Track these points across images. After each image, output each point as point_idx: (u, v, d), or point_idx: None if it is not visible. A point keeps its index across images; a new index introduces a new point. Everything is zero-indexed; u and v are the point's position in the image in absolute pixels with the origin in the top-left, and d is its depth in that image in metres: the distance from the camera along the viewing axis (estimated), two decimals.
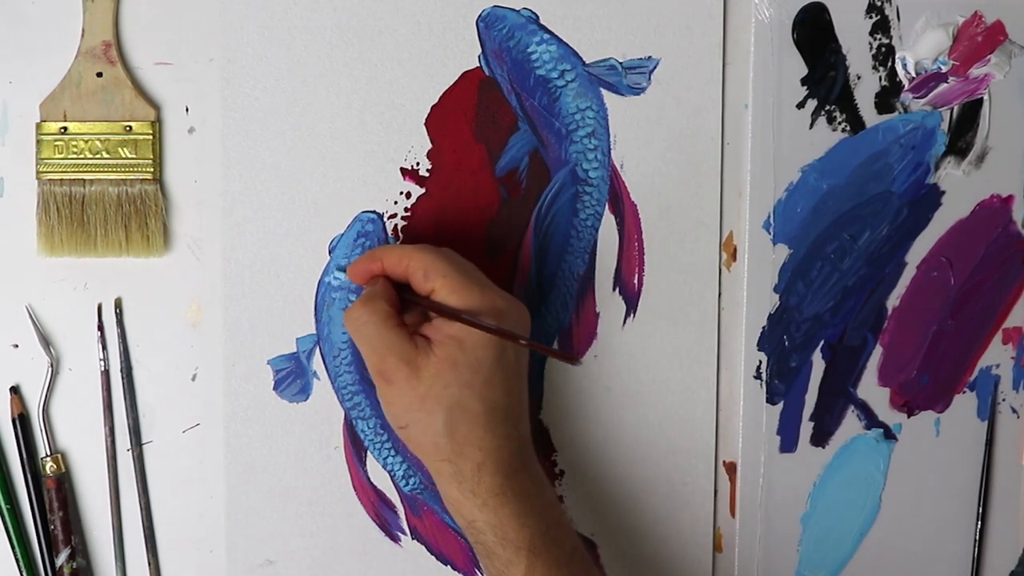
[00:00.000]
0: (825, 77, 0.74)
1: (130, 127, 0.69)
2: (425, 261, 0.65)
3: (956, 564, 0.78)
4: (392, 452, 0.72)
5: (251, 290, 0.71)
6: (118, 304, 0.71)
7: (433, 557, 0.73)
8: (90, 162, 0.69)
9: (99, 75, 0.69)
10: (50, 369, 0.70)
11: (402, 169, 0.71)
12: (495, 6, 0.71)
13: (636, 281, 0.73)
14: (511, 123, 0.72)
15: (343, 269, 0.70)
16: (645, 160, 0.73)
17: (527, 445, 0.66)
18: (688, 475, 0.74)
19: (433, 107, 0.71)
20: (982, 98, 0.76)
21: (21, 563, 0.70)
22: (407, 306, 0.66)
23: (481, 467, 0.63)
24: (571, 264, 0.73)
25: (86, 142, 0.69)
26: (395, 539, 0.73)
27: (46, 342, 0.70)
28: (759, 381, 0.75)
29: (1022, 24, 0.75)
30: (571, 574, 0.65)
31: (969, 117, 0.76)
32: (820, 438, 0.76)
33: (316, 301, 0.71)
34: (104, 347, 0.70)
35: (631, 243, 0.73)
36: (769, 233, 0.74)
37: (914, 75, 0.74)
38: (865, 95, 0.74)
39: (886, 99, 0.74)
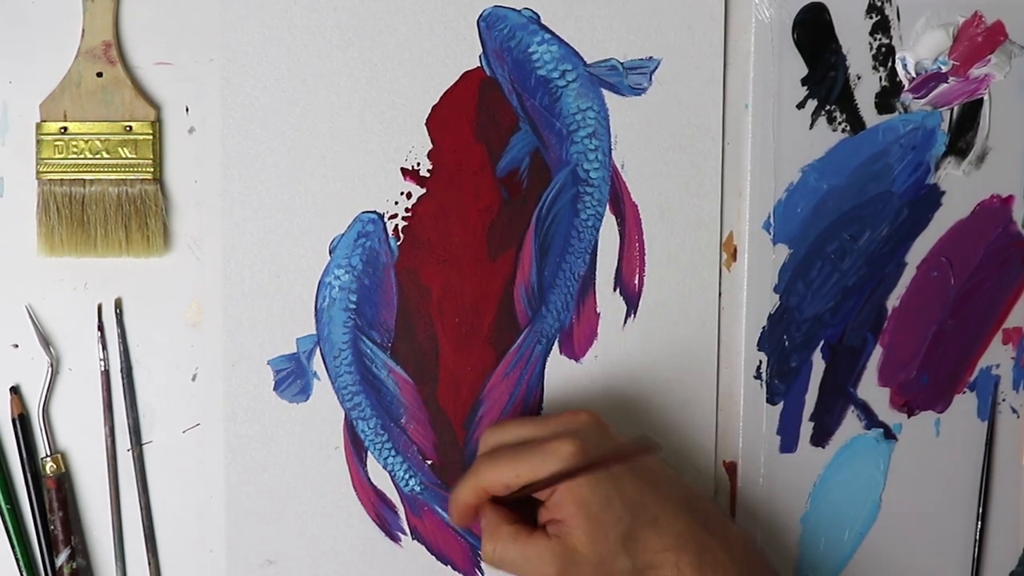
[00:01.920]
0: (825, 77, 0.74)
1: (130, 127, 0.69)
2: (495, 477, 0.65)
3: (956, 564, 0.78)
4: (392, 452, 0.72)
5: (251, 290, 0.71)
6: (118, 304, 0.71)
7: (433, 557, 0.73)
8: (90, 162, 0.69)
9: (99, 75, 0.69)
10: (50, 369, 0.70)
11: (403, 169, 0.71)
12: (496, 6, 0.71)
13: (637, 281, 0.73)
14: (512, 123, 0.72)
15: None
16: (646, 160, 0.73)
17: (704, 506, 0.67)
18: (688, 475, 0.74)
19: (434, 107, 0.71)
20: (982, 98, 0.76)
21: (21, 563, 0.70)
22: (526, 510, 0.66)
23: (679, 563, 0.64)
24: (572, 264, 0.73)
25: (86, 142, 0.69)
26: (395, 539, 0.73)
27: (46, 342, 0.70)
28: (759, 381, 0.75)
29: (1022, 24, 0.75)
30: None
31: (969, 117, 0.76)
32: (820, 438, 0.76)
33: (316, 302, 0.71)
34: (104, 347, 0.70)
35: (632, 243, 0.73)
36: (769, 233, 0.74)
37: (914, 75, 0.74)
38: (865, 95, 0.74)
39: (886, 99, 0.75)
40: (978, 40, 0.75)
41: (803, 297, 0.74)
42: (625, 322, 0.73)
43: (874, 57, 0.74)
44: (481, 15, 0.71)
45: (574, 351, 0.73)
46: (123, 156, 0.69)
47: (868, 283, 0.75)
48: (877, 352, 0.76)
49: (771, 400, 0.75)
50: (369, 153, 0.71)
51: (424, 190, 0.71)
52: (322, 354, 0.71)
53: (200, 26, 0.70)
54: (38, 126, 0.69)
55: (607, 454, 0.65)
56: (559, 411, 0.69)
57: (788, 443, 0.75)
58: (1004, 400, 0.78)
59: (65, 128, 0.69)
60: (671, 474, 0.68)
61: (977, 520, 0.77)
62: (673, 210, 0.73)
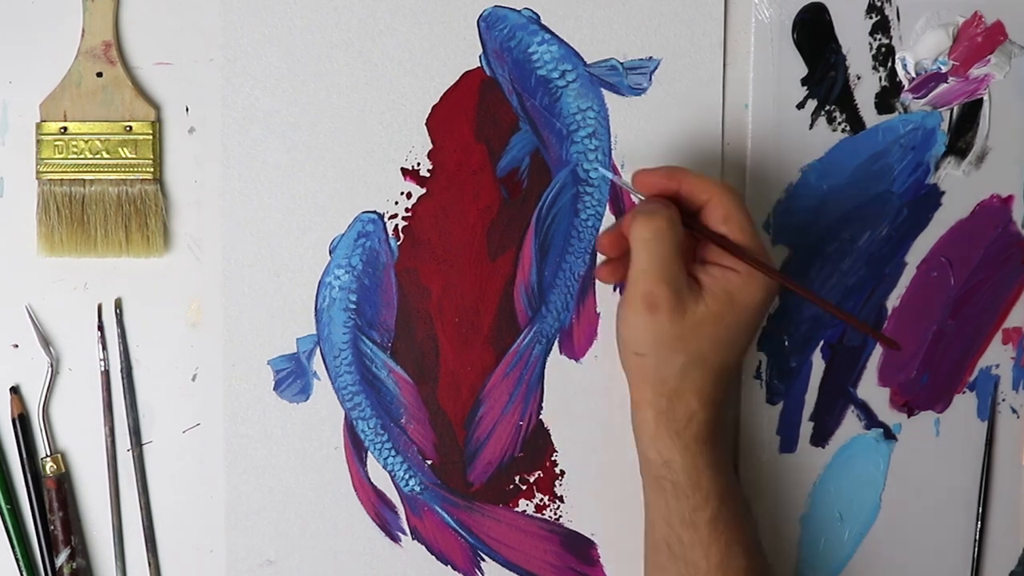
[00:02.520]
0: (825, 77, 0.74)
1: (130, 127, 0.69)
2: (730, 205, 0.65)
3: (956, 564, 0.78)
4: (392, 452, 0.72)
5: (251, 290, 0.71)
6: (118, 304, 0.71)
7: (433, 557, 0.73)
8: (90, 162, 0.69)
9: (99, 75, 0.69)
10: (50, 369, 0.70)
11: (403, 169, 0.71)
12: (496, 6, 0.71)
13: None
14: (512, 123, 0.72)
15: (612, 170, 0.70)
16: (646, 160, 0.73)
17: (729, 387, 0.69)
18: None
19: (434, 107, 0.71)
20: (982, 98, 0.76)
21: (21, 563, 0.70)
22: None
23: (694, 416, 0.65)
24: (572, 264, 0.73)
25: (86, 142, 0.69)
26: (395, 539, 0.73)
27: (46, 342, 0.70)
28: (759, 381, 0.75)
29: (1022, 24, 0.75)
30: (746, 525, 0.67)
31: (969, 117, 0.76)
32: (820, 438, 0.76)
33: (316, 302, 0.71)
34: (104, 347, 0.70)
35: None
36: (769, 233, 0.74)
37: (914, 75, 0.74)
38: (865, 95, 0.74)
39: (886, 99, 0.74)
40: (978, 40, 0.75)
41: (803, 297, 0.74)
42: None
43: (874, 57, 0.74)
44: (481, 15, 0.71)
45: (574, 351, 0.73)
46: (123, 156, 0.69)
47: (868, 283, 0.75)
48: (877, 352, 0.76)
49: (771, 400, 0.75)
50: (369, 153, 0.71)
51: (424, 190, 0.71)
52: (322, 354, 0.71)
53: (200, 26, 0.70)
54: (38, 126, 0.69)
55: (845, 313, 0.67)
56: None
57: (788, 443, 0.75)
58: (1004, 400, 0.78)
59: (65, 128, 0.69)
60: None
61: (977, 520, 0.77)
62: None
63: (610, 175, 0.70)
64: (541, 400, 0.73)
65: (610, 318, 0.73)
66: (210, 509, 0.72)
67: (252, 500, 0.71)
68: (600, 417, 0.73)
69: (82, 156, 0.69)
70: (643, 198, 0.67)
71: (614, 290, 0.73)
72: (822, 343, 0.75)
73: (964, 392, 0.77)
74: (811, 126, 0.74)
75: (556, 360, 0.73)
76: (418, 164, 0.71)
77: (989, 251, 0.77)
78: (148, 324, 0.71)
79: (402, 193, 0.71)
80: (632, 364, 0.66)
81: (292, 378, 0.71)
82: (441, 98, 0.71)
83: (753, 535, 0.68)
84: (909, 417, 0.76)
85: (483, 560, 0.73)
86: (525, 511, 0.73)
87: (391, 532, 0.73)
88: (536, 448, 0.73)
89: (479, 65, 0.71)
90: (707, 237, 0.66)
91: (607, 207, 0.73)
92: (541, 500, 0.73)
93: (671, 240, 0.64)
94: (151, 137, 0.70)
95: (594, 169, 0.69)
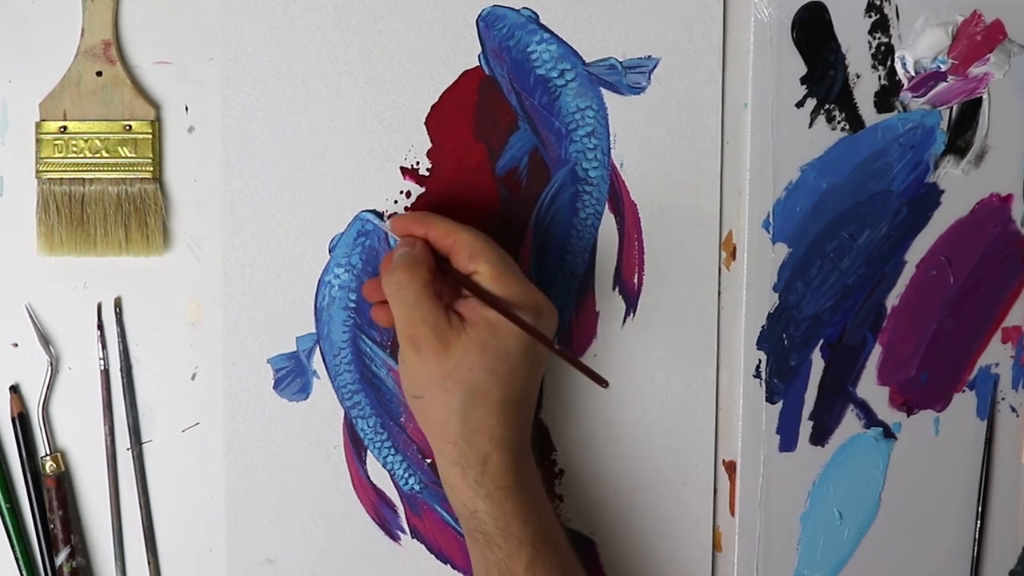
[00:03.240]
0: (824, 76, 0.74)
1: (130, 126, 0.69)
2: (472, 243, 0.65)
3: (956, 563, 0.78)
4: (392, 451, 0.72)
5: (251, 290, 0.71)
6: (118, 303, 0.71)
7: (433, 556, 0.73)
8: (90, 161, 0.69)
9: (99, 74, 0.69)
10: (50, 368, 0.70)
11: (402, 168, 0.71)
12: (495, 5, 0.71)
13: (636, 280, 0.73)
14: (511, 122, 0.72)
15: (380, 216, 0.70)
16: (645, 159, 0.73)
17: (527, 440, 0.67)
18: (688, 475, 0.74)
19: (433, 106, 0.71)
20: (981, 97, 0.76)
21: (21, 562, 0.70)
22: (440, 278, 0.66)
23: (487, 459, 0.64)
24: (571, 263, 0.73)
25: (86, 141, 0.69)
26: (395, 538, 0.73)
27: (46, 341, 0.70)
28: (759, 380, 0.75)
29: (1021, 23, 0.75)
30: (567, 567, 0.66)
31: (968, 116, 0.76)
32: (819, 437, 0.76)
33: (316, 301, 0.71)
34: (104, 346, 0.70)
35: (631, 242, 0.73)
36: (768, 232, 0.74)
37: (913, 74, 0.74)
38: (864, 94, 0.74)
39: (885, 98, 0.75)
40: (977, 39, 0.75)
41: (802, 296, 0.75)
42: (624, 321, 0.73)
43: (873, 56, 0.74)
44: (480, 14, 0.71)
45: (573, 350, 0.73)
46: (123, 155, 0.69)
47: (867, 282, 0.75)
48: (876, 351, 0.76)
49: (770, 399, 0.75)
50: (368, 152, 0.71)
51: (423, 189, 0.72)
52: (322, 353, 0.71)
53: (200, 26, 0.70)
54: (38, 125, 0.69)
55: (565, 351, 0.66)
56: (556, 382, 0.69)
57: (788, 442, 0.75)
58: (1003, 399, 0.78)
59: (65, 127, 0.69)
60: (531, 414, 0.68)
61: (977, 519, 0.77)
62: (672, 209, 0.73)
63: (378, 223, 0.70)
64: (541, 400, 0.73)
65: (609, 317, 0.73)
66: (210, 508, 0.72)
67: (252, 499, 0.71)
68: (600, 417, 0.73)
69: (82, 155, 0.69)
70: (398, 239, 0.67)
71: (613, 289, 0.73)
72: (821, 342, 0.75)
73: (964, 391, 0.77)
74: (810, 125, 0.74)
75: (556, 360, 0.73)
76: (417, 163, 0.71)
77: (988, 250, 0.77)
78: (148, 323, 0.71)
79: (401, 192, 0.71)
80: (416, 411, 0.66)
81: (292, 377, 0.71)
82: (440, 97, 0.71)
83: (577, 574, 0.67)
84: (909, 416, 0.76)
85: None
86: None
87: (391, 531, 0.73)
88: (536, 448, 0.73)
89: (478, 64, 0.71)
90: (453, 279, 0.66)
91: (606, 206, 0.73)
92: None
93: (415, 287, 0.64)
94: (151, 136, 0.70)
95: (373, 221, 0.70)
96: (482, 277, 0.64)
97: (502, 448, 0.64)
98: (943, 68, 0.75)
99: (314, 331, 0.71)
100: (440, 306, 0.64)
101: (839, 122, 0.74)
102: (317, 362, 0.71)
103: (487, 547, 0.65)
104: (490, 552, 0.65)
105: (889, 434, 0.76)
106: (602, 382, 0.64)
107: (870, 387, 0.76)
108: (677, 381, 0.74)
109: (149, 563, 0.71)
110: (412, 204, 0.71)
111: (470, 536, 0.66)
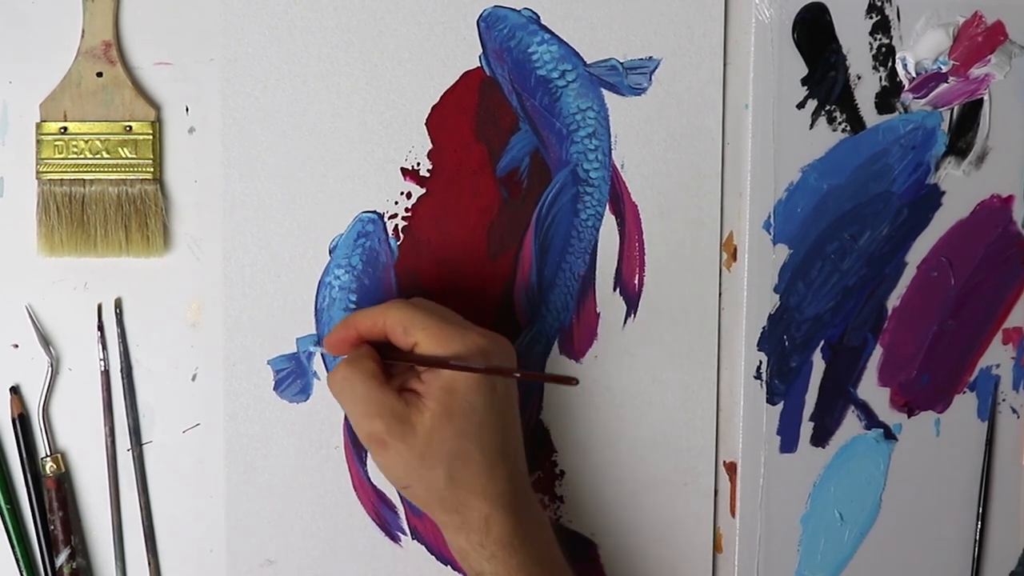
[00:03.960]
0: (825, 77, 0.74)
1: (130, 127, 0.69)
2: (402, 317, 0.64)
3: (956, 564, 0.78)
4: None
5: (251, 290, 0.71)
6: (118, 304, 0.71)
7: (433, 557, 0.73)
8: (90, 162, 0.69)
9: (99, 75, 0.69)
10: (50, 369, 0.70)
11: (403, 169, 0.71)
12: (496, 6, 0.71)
13: (637, 281, 0.73)
14: (512, 123, 0.72)
15: (318, 344, 0.70)
16: (646, 160, 0.73)
17: (525, 479, 0.67)
18: (688, 475, 0.74)
19: (434, 107, 0.71)
20: (982, 98, 0.76)
21: (21, 563, 0.70)
22: (390, 367, 0.65)
23: (488, 519, 0.64)
24: (572, 264, 0.73)
25: (86, 142, 0.69)
26: (395, 539, 0.73)
27: (46, 342, 0.70)
28: (759, 381, 0.75)
29: (1022, 24, 0.75)
30: None
31: (969, 117, 0.76)
32: (820, 438, 0.76)
33: (316, 302, 0.71)
34: (104, 347, 0.70)
35: (632, 243, 0.73)
36: (769, 233, 0.74)
37: (914, 75, 0.74)
38: (865, 95, 0.74)
39: (886, 99, 0.74)
40: (978, 40, 0.75)
41: (803, 297, 0.74)
42: (625, 322, 0.73)
43: (874, 57, 0.74)
44: (481, 15, 0.71)
45: (574, 351, 0.73)
46: (123, 156, 0.69)
47: (868, 283, 0.75)
48: (877, 352, 0.76)
49: (771, 400, 0.75)
50: (369, 153, 0.71)
51: (424, 190, 0.71)
52: (322, 354, 0.71)
53: (200, 26, 0.70)
54: (38, 126, 0.69)
55: (524, 369, 0.65)
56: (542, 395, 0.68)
57: (788, 443, 0.75)
58: (1004, 400, 0.78)
59: (65, 128, 0.69)
60: (521, 451, 0.67)
61: (977, 520, 0.77)
62: (673, 210, 0.73)
63: (313, 348, 0.71)
64: (541, 400, 0.73)
65: (610, 318, 0.73)
66: (210, 509, 0.72)
67: (252, 500, 0.71)
68: (600, 417, 0.73)
69: (82, 156, 0.69)
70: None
71: (614, 290, 0.73)
72: (822, 343, 0.75)
73: (964, 392, 0.77)
74: (811, 126, 0.74)
75: (556, 360, 0.73)
76: (418, 164, 0.71)
77: (989, 251, 0.77)
78: (148, 324, 0.71)
79: (402, 193, 0.71)
80: (410, 498, 0.66)
81: (292, 378, 0.71)
82: (441, 98, 0.71)
83: None
84: (909, 417, 0.76)
85: None
86: None
87: (391, 532, 0.73)
88: (536, 448, 0.73)
89: (479, 65, 0.71)
90: (402, 360, 0.65)
91: (607, 207, 0.73)
92: (541, 500, 0.73)
93: (360, 379, 0.63)
94: (151, 137, 0.70)
95: (311, 349, 0.71)
96: (423, 345, 0.64)
97: (500, 504, 0.64)
98: (944, 69, 0.75)
99: (314, 332, 0.71)
100: (390, 391, 0.63)
101: (840, 123, 0.74)
102: (317, 363, 0.71)
103: None
104: None
105: (890, 435, 0.76)
106: (570, 381, 0.65)
107: (871, 388, 0.76)
108: (678, 382, 0.74)
109: (149, 564, 0.71)
110: (413, 205, 0.71)
111: None
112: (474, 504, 0.64)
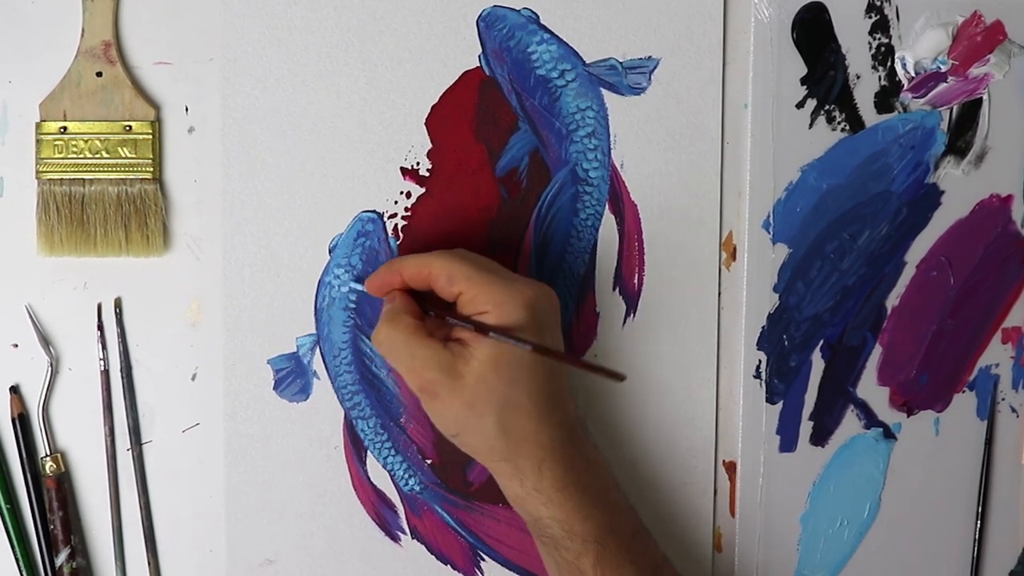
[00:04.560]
0: (825, 77, 0.74)
1: (130, 127, 0.69)
2: (447, 267, 0.64)
3: (956, 564, 0.78)
4: (392, 452, 0.72)
5: (251, 290, 0.71)
6: (118, 304, 0.71)
7: (433, 557, 0.73)
8: (90, 162, 0.69)
9: (99, 75, 0.69)
10: (50, 369, 0.70)
11: (402, 169, 0.71)
12: (495, 6, 0.71)
13: (636, 281, 0.73)
14: (511, 123, 0.72)
15: (360, 280, 0.70)
16: (645, 160, 0.73)
17: (576, 425, 0.66)
18: (688, 475, 0.74)
19: (433, 107, 0.71)
20: (981, 98, 0.76)
21: (21, 563, 0.70)
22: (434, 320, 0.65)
23: (542, 464, 0.64)
24: (571, 264, 0.73)
25: (86, 142, 0.69)
26: (395, 539, 0.73)
27: (46, 342, 0.70)
28: (759, 380, 0.75)
29: (1022, 24, 0.75)
30: (635, 556, 0.66)
31: (968, 117, 0.76)
32: (820, 438, 0.76)
33: (316, 301, 0.71)
34: (104, 347, 0.70)
35: (631, 243, 0.73)
36: (769, 233, 0.74)
37: (913, 75, 0.74)
38: (864, 95, 0.74)
39: (885, 99, 0.75)
40: (977, 40, 0.75)
41: (803, 296, 0.75)
42: (625, 322, 0.73)
43: (873, 57, 0.74)
44: (480, 15, 0.71)
45: (574, 351, 0.73)
46: (123, 156, 0.69)
47: (868, 283, 0.75)
48: (877, 351, 0.76)
49: (771, 400, 0.75)
50: (369, 153, 0.71)
51: (424, 190, 0.72)
52: (322, 353, 0.71)
53: (200, 26, 0.70)
54: (38, 126, 0.69)
55: (573, 356, 0.65)
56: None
57: (788, 442, 0.75)
58: (1003, 399, 0.78)
59: (65, 128, 0.69)
60: (571, 396, 0.67)
61: (977, 520, 0.77)
62: (673, 210, 0.73)
63: (356, 287, 0.70)
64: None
65: (610, 318, 0.73)
66: (210, 509, 0.72)
67: (252, 500, 0.71)
68: (601, 418, 0.73)
69: (82, 156, 0.69)
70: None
71: (613, 289, 0.73)
72: (822, 342, 0.75)
73: (964, 391, 0.77)
74: (811, 125, 0.74)
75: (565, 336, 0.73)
76: (417, 164, 0.71)
77: (989, 251, 0.77)
78: (148, 324, 0.71)
79: (402, 192, 0.71)
80: (461, 447, 0.66)
81: (292, 377, 0.71)
82: (440, 98, 0.71)
83: (650, 566, 0.66)
84: (909, 416, 0.77)
85: (483, 559, 0.73)
86: None
87: (391, 531, 0.73)
88: None
89: (478, 65, 0.71)
90: (439, 316, 0.65)
91: (606, 206, 0.73)
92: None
93: (403, 336, 0.63)
94: (151, 137, 0.70)
95: (346, 283, 0.70)
96: (467, 296, 0.63)
97: (552, 449, 0.64)
98: (943, 69, 0.75)
99: (314, 332, 0.71)
100: (435, 343, 0.63)
101: (839, 123, 0.74)
102: (317, 363, 0.71)
103: (555, 549, 0.65)
104: (558, 554, 0.65)
105: (889, 435, 0.76)
106: (618, 377, 0.64)
107: (870, 388, 0.76)
108: (677, 382, 0.74)
109: (149, 564, 0.71)
110: (412, 204, 0.71)
111: (539, 541, 0.66)
112: (527, 451, 0.63)
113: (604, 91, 0.72)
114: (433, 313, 0.65)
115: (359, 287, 0.70)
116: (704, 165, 0.73)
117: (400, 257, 0.67)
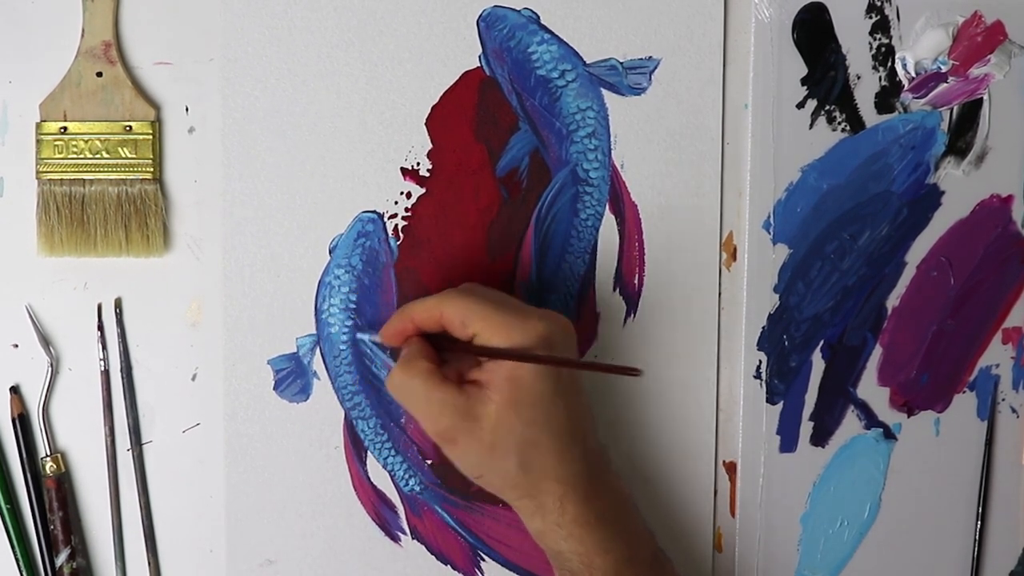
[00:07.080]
0: (825, 77, 0.74)
1: (130, 127, 0.69)
2: (460, 308, 0.63)
3: (956, 564, 0.78)
4: (392, 452, 0.72)
5: (251, 290, 0.71)
6: (118, 304, 0.71)
7: (433, 557, 0.73)
8: (90, 162, 0.69)
9: (99, 75, 0.69)
10: (50, 369, 0.70)
11: (402, 169, 0.71)
12: (496, 6, 0.71)
13: (636, 281, 0.73)
14: (512, 123, 0.72)
15: (371, 330, 0.70)
16: (645, 160, 0.73)
17: (599, 457, 0.66)
18: (688, 475, 0.74)
19: (434, 107, 0.71)
20: (982, 98, 0.76)
21: (21, 563, 0.70)
22: (448, 355, 0.65)
23: (563, 499, 0.63)
24: (571, 264, 0.73)
25: (86, 142, 0.69)
26: (395, 539, 0.73)
27: (46, 342, 0.70)
28: (759, 381, 0.75)
29: (1022, 24, 0.75)
30: None
31: (969, 117, 0.76)
32: (820, 438, 0.76)
33: (316, 301, 0.71)
34: (104, 347, 0.70)
35: (631, 243, 0.73)
36: (769, 233, 0.74)
37: (914, 75, 0.74)
38: (865, 95, 0.74)
39: (886, 99, 0.75)
40: (978, 40, 0.75)
41: (803, 297, 0.75)
42: (625, 322, 0.73)
43: (874, 57, 0.74)
44: (481, 15, 0.71)
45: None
46: (123, 156, 0.69)
47: (868, 283, 0.75)
48: (877, 352, 0.76)
49: (771, 400, 0.75)
50: (369, 153, 0.71)
51: (424, 190, 0.72)
52: (322, 354, 0.71)
53: (200, 26, 0.70)
54: (38, 126, 0.69)
55: (587, 361, 0.64)
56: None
57: (788, 443, 0.75)
58: (1004, 400, 0.78)
59: (65, 128, 0.69)
60: (592, 428, 0.67)
61: (977, 520, 0.77)
62: (673, 210, 0.73)
63: (370, 338, 0.70)
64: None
65: (610, 318, 0.73)
66: (210, 509, 0.72)
67: (252, 500, 0.71)
68: (601, 418, 0.73)
69: (82, 156, 0.69)
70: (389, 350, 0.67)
71: (613, 290, 0.73)
72: (822, 343, 0.75)
73: (964, 392, 0.77)
74: (811, 126, 0.74)
75: None
76: (418, 164, 0.71)
77: (989, 251, 0.77)
78: (148, 324, 0.71)
79: (402, 193, 0.71)
80: (485, 487, 0.65)
81: (292, 378, 0.71)
82: (441, 98, 0.71)
83: None
84: (909, 417, 0.77)
85: (483, 560, 0.73)
86: None
87: (391, 532, 0.73)
88: None
89: (479, 65, 0.71)
90: (458, 351, 0.64)
91: (607, 207, 0.73)
92: None
93: (418, 381, 0.62)
94: (151, 137, 0.70)
95: (362, 334, 0.71)
96: (483, 336, 0.63)
97: (573, 484, 0.63)
98: (943, 69, 0.75)
99: (314, 332, 0.71)
100: (452, 387, 0.63)
101: (840, 123, 0.74)
102: (317, 363, 0.71)
103: None
104: None
105: (889, 435, 0.76)
106: (635, 372, 0.64)
107: (870, 388, 0.76)
108: (677, 382, 0.74)
109: (149, 564, 0.71)
110: (413, 205, 0.71)
111: (559, 573, 0.66)
112: (548, 488, 0.63)
113: (604, 91, 0.72)
114: (448, 347, 0.64)
115: (374, 338, 0.70)
116: (704, 165, 0.73)
117: (411, 303, 0.66)
